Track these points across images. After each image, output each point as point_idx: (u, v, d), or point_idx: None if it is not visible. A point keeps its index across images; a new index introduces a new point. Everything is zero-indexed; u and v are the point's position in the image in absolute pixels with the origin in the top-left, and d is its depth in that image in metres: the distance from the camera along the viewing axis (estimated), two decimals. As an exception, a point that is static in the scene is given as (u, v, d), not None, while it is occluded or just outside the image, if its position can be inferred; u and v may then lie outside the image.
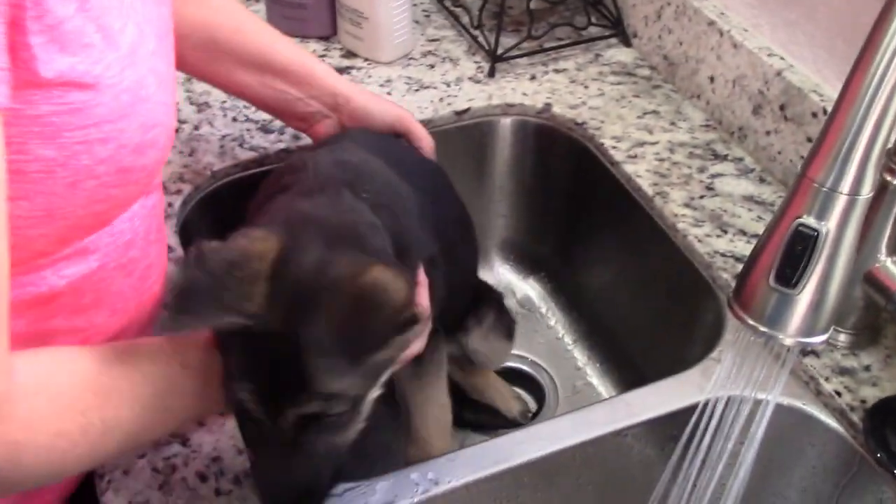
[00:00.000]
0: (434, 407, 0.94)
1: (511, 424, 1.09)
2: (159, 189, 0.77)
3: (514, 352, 1.21)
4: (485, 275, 1.29)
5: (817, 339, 0.62)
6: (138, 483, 0.73)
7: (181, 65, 0.77)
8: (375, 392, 0.66)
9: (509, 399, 1.12)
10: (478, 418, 1.09)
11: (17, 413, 0.53)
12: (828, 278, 0.60)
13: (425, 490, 0.75)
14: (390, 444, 1.06)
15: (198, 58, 0.90)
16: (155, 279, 0.75)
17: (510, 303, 1.28)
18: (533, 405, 1.16)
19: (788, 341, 0.62)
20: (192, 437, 0.76)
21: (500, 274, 1.30)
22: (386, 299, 0.58)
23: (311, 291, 0.59)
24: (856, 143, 0.57)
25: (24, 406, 0.53)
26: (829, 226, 0.58)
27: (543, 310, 1.26)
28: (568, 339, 1.22)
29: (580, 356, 1.20)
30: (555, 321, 1.25)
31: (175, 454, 0.75)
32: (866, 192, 0.58)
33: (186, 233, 0.97)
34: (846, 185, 0.57)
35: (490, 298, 1.06)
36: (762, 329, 0.63)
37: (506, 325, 1.08)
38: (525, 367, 1.20)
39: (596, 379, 1.17)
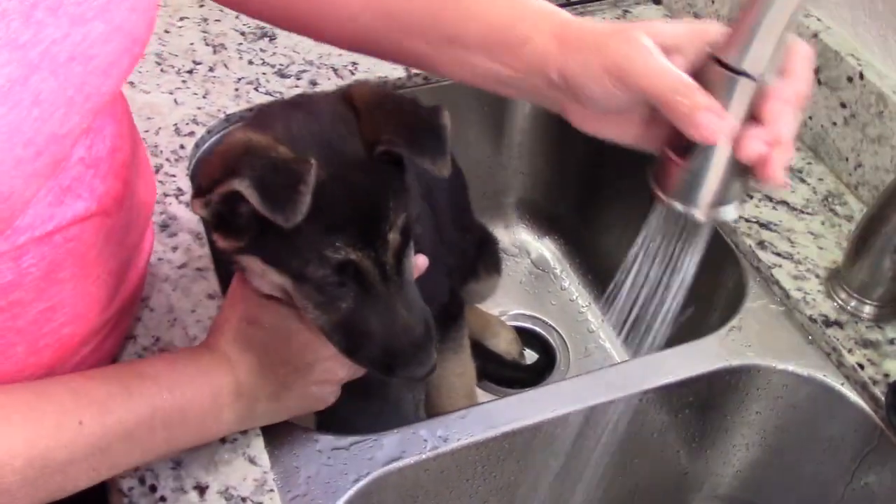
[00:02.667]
0: (454, 378, 0.92)
1: (511, 366, 1.09)
2: (100, 217, 0.63)
3: (526, 312, 1.20)
4: (500, 233, 1.27)
5: (722, 214, 0.57)
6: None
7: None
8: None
9: (509, 342, 1.12)
10: (477, 362, 1.07)
11: None
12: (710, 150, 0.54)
13: (434, 447, 0.74)
14: (399, 403, 1.05)
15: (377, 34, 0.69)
16: (63, 321, 0.63)
17: (525, 262, 1.26)
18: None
19: (698, 215, 0.57)
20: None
21: (515, 233, 1.28)
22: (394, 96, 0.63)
23: (326, 127, 0.60)
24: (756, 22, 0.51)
25: None
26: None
27: (558, 271, 1.24)
28: (581, 302, 1.20)
29: (593, 319, 1.18)
30: (569, 283, 1.23)
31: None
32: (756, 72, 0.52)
33: (198, 177, 0.95)
34: (736, 61, 0.52)
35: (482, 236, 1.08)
36: (675, 205, 0.59)
37: (496, 260, 1.09)
38: (537, 328, 1.19)
39: (609, 343, 1.15)
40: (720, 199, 0.56)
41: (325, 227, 0.58)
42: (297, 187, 0.54)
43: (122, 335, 0.75)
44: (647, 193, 1.07)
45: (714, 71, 0.53)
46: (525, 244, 1.27)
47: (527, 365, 1.15)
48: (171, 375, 0.63)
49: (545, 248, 1.26)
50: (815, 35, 0.96)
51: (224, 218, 0.59)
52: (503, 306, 1.20)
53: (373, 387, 0.98)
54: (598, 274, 1.20)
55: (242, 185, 0.54)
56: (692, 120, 0.52)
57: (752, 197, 0.94)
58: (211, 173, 0.57)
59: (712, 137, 0.53)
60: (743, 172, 0.55)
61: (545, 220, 1.27)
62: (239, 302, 0.68)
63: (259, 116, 0.64)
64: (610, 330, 1.16)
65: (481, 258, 1.08)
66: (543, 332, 1.19)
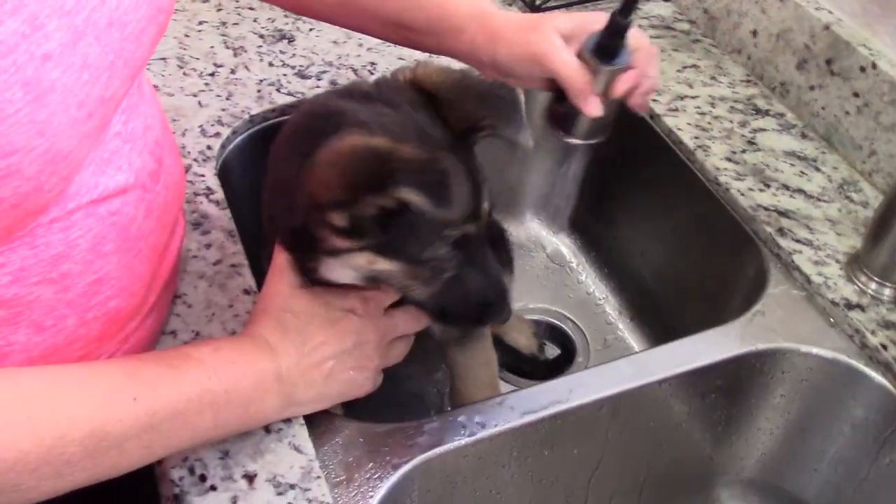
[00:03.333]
0: (478, 367, 0.94)
1: (529, 360, 1.11)
2: (139, 190, 0.66)
3: (545, 306, 1.22)
4: (516, 229, 1.29)
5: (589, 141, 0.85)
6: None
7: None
8: None
9: (528, 336, 1.13)
10: (499, 357, 1.09)
11: None
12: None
13: (472, 433, 0.75)
14: (422, 395, 1.07)
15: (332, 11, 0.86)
16: (110, 294, 0.66)
17: (541, 257, 1.28)
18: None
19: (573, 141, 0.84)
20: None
21: (531, 228, 1.30)
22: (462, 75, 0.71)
23: (410, 117, 0.66)
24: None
25: None
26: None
27: (574, 265, 1.26)
28: (599, 294, 1.22)
29: (611, 311, 1.20)
30: (585, 276, 1.24)
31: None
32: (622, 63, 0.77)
33: (226, 175, 0.97)
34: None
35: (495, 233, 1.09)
36: (560, 135, 0.84)
37: (509, 259, 1.10)
38: (556, 321, 1.20)
39: (627, 333, 1.17)
40: (589, 134, 0.84)
41: (444, 209, 0.60)
42: (449, 183, 0.58)
43: (162, 315, 0.77)
44: (657, 188, 1.09)
45: (591, 61, 0.77)
46: (541, 239, 1.29)
47: (546, 358, 1.17)
48: (216, 359, 0.65)
49: (560, 243, 1.28)
50: (827, 27, 0.98)
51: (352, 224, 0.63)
52: (521, 301, 1.22)
53: (398, 379, 1.00)
54: (614, 267, 1.22)
55: (407, 193, 0.58)
56: (583, 100, 0.77)
57: (769, 186, 0.97)
58: (341, 183, 0.60)
59: (594, 112, 0.78)
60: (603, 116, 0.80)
61: (560, 216, 1.29)
62: (275, 293, 0.71)
63: (341, 115, 0.65)
64: (629, 321, 1.18)
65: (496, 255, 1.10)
66: (562, 325, 1.20)
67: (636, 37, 0.79)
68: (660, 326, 1.13)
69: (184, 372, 0.63)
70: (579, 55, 0.78)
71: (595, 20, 0.78)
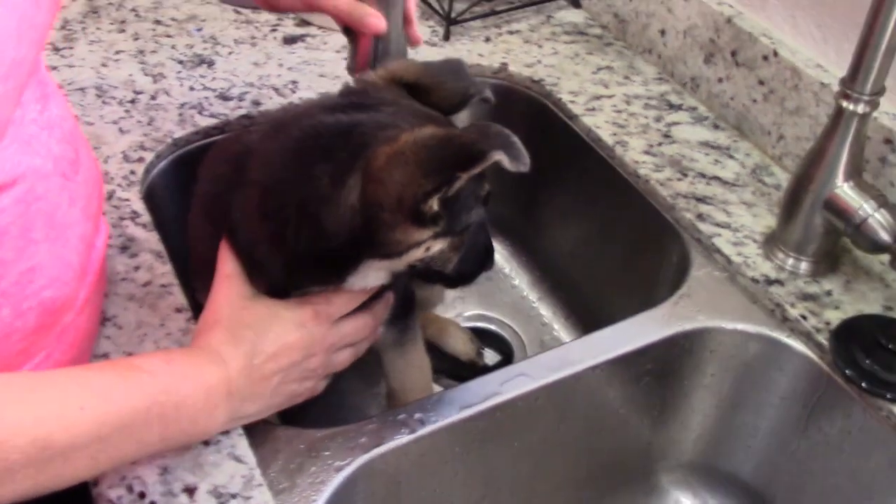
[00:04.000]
0: (414, 370, 0.95)
1: (469, 366, 1.12)
2: (60, 177, 0.67)
3: (481, 312, 1.23)
4: (447, 239, 1.30)
5: None
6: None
7: None
8: None
9: (465, 342, 1.14)
10: (438, 364, 1.10)
11: None
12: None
13: (412, 430, 0.76)
14: (363, 408, 1.07)
15: None
16: (44, 283, 0.66)
17: (474, 265, 1.29)
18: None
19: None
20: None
21: (462, 238, 1.31)
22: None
23: None
24: None
25: None
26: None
27: (507, 270, 1.28)
28: (533, 297, 1.24)
29: (546, 312, 1.22)
30: (519, 280, 1.26)
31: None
32: None
33: (152, 199, 0.96)
34: None
35: None
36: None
37: None
38: (492, 327, 1.22)
39: (563, 332, 1.19)
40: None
41: (481, 174, 0.65)
42: (514, 141, 0.63)
43: (96, 312, 0.77)
44: (581, 187, 1.12)
45: None
46: (473, 248, 1.30)
47: (485, 364, 1.18)
48: (167, 372, 0.65)
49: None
50: (729, 20, 1.03)
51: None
52: (457, 309, 1.23)
53: (338, 393, 1.00)
54: (546, 268, 1.24)
55: (498, 156, 0.61)
56: (364, 22, 0.82)
57: (686, 175, 1.00)
58: (423, 174, 0.63)
59: (378, 28, 0.82)
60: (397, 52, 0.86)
61: (491, 222, 1.30)
62: (225, 303, 0.71)
63: (358, 125, 0.67)
64: (564, 320, 1.20)
65: None
66: (499, 330, 1.22)
67: None
68: (593, 322, 1.14)
69: (134, 383, 0.62)
70: None
71: None
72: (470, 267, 0.74)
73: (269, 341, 0.70)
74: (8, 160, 0.60)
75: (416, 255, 0.68)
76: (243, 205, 0.71)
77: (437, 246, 0.68)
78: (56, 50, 1.15)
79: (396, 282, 0.77)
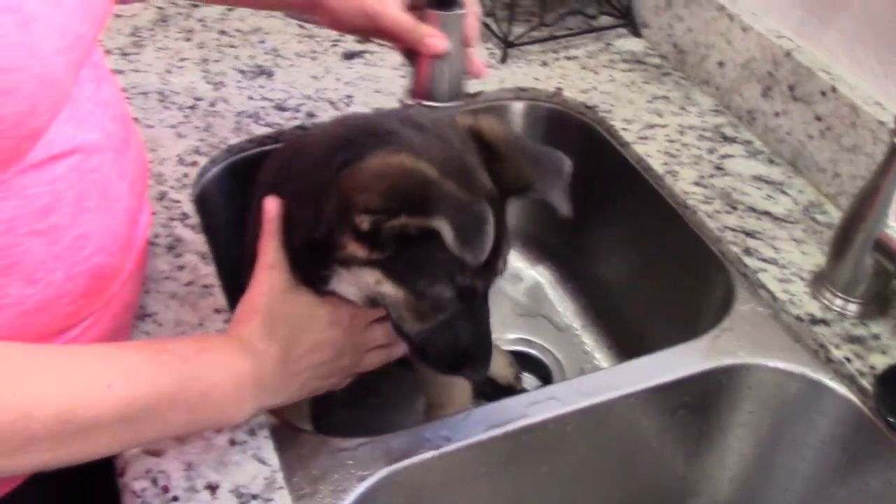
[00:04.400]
0: (455, 386, 0.95)
1: (507, 390, 1.10)
2: (112, 153, 0.70)
3: (523, 336, 1.23)
4: (494, 261, 1.30)
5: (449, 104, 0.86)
6: (153, 433, 0.73)
7: None
8: None
9: (505, 365, 1.13)
10: (476, 386, 1.10)
11: None
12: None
13: (438, 446, 0.76)
14: (398, 422, 1.07)
15: None
16: (93, 250, 0.69)
17: (520, 289, 1.29)
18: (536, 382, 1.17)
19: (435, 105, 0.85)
20: (207, 390, 0.76)
21: (509, 261, 1.30)
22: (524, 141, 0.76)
23: (461, 160, 0.67)
24: None
25: None
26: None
27: (552, 297, 1.27)
28: (576, 324, 1.23)
29: (588, 340, 1.20)
30: (563, 308, 1.25)
31: (190, 406, 0.75)
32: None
33: (203, 203, 0.98)
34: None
35: None
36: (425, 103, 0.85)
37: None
38: (533, 351, 1.21)
39: (605, 362, 1.17)
40: (449, 96, 0.85)
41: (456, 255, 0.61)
42: (484, 229, 0.60)
43: (138, 287, 0.80)
44: (628, 215, 1.11)
45: (431, 14, 0.83)
46: (519, 272, 1.30)
47: (523, 389, 1.17)
48: (198, 359, 0.66)
49: (539, 275, 1.29)
50: (788, 53, 1.01)
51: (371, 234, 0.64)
52: (499, 332, 1.23)
53: (370, 395, 1.00)
54: (591, 297, 1.23)
55: (441, 224, 0.59)
56: (425, 42, 0.82)
57: (735, 209, 0.98)
58: (381, 193, 0.62)
59: (438, 49, 0.82)
60: (456, 77, 0.85)
61: (537, 248, 1.30)
62: (264, 293, 0.72)
63: (392, 134, 0.68)
64: (606, 350, 1.18)
65: None
66: (540, 356, 1.21)
67: None
68: (635, 353, 1.12)
69: (165, 368, 0.64)
70: (413, 8, 0.84)
71: None
72: (439, 353, 0.70)
73: (303, 338, 0.71)
74: (66, 133, 0.64)
75: (366, 280, 0.67)
76: (288, 193, 0.73)
77: (388, 288, 0.67)
78: (124, 55, 1.18)
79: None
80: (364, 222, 0.63)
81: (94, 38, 0.66)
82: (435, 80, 0.84)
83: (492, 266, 0.67)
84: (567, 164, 0.72)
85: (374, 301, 0.70)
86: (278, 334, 0.70)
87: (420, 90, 0.86)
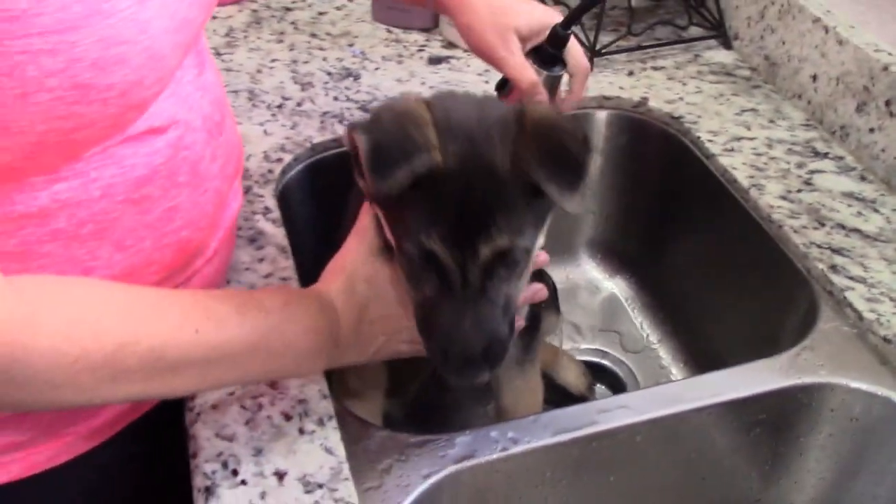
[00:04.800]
0: (529, 391, 0.95)
1: (578, 400, 1.08)
2: (206, 134, 0.74)
3: (598, 347, 1.21)
4: (572, 272, 1.29)
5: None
6: (226, 417, 0.74)
7: None
8: (539, 243, 0.69)
9: (578, 375, 1.12)
10: (546, 394, 1.09)
11: (19, 314, 0.54)
12: None
13: (504, 448, 0.75)
14: (468, 423, 1.07)
15: None
16: (181, 224, 0.72)
17: (597, 300, 1.28)
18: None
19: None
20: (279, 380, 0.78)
21: (586, 272, 1.30)
22: (563, 125, 0.64)
23: (482, 130, 0.64)
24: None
25: (26, 309, 0.55)
26: None
27: (629, 308, 1.25)
28: (653, 338, 1.21)
29: (665, 354, 1.18)
30: (640, 320, 1.23)
31: (263, 393, 0.76)
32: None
33: (285, 199, 1.00)
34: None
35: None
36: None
37: (554, 300, 1.10)
38: (607, 363, 1.20)
39: (681, 377, 1.15)
40: None
41: (429, 214, 0.62)
42: (399, 166, 0.59)
43: (223, 268, 0.83)
44: (711, 228, 1.09)
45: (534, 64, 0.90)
46: (596, 282, 1.29)
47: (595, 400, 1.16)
48: (283, 314, 0.68)
49: (616, 287, 1.28)
50: (886, 68, 0.98)
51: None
52: (574, 342, 1.22)
53: (442, 395, 1.01)
54: (669, 311, 1.21)
55: (361, 139, 0.60)
56: (529, 98, 0.86)
57: (823, 225, 0.95)
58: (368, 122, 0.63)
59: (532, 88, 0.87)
60: None
61: (616, 258, 1.29)
62: (353, 253, 0.74)
63: (442, 96, 0.70)
64: (682, 364, 1.16)
65: None
66: (615, 367, 1.19)
67: (575, 50, 0.91)
68: (712, 369, 1.10)
69: (250, 318, 0.66)
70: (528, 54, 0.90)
71: (554, 17, 0.90)
72: (428, 340, 0.66)
73: (382, 302, 0.72)
74: (165, 110, 0.67)
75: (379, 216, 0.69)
76: None
77: (381, 216, 0.68)
78: (218, 54, 1.22)
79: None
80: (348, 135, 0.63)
81: (201, 24, 0.70)
82: None
83: (466, 243, 0.62)
84: (586, 155, 0.63)
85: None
86: (358, 296, 0.72)
87: None
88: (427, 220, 0.62)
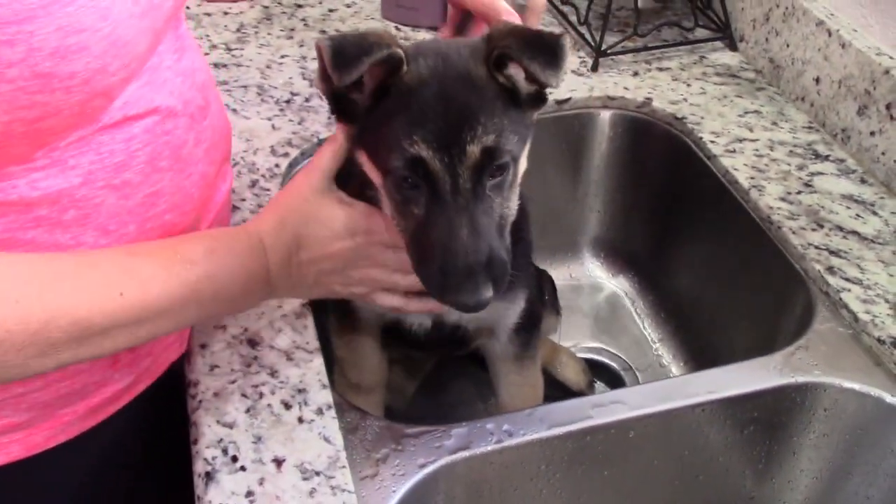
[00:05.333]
0: (528, 388, 0.96)
1: (577, 395, 1.10)
2: (188, 118, 0.74)
3: (599, 345, 1.22)
4: (574, 271, 1.31)
5: None
6: (227, 405, 0.76)
7: None
8: (523, 163, 0.70)
9: (577, 371, 1.13)
10: (545, 390, 1.10)
11: None
12: None
13: (499, 440, 0.77)
14: (467, 406, 1.09)
15: None
16: (165, 208, 0.72)
17: (599, 298, 1.29)
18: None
19: None
20: (280, 369, 0.79)
21: (589, 270, 1.31)
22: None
23: (453, 49, 0.67)
24: None
25: None
26: None
27: (631, 308, 1.26)
28: (654, 337, 1.22)
29: (665, 353, 1.19)
30: (641, 319, 1.25)
31: (263, 382, 0.78)
32: None
33: (290, 192, 1.02)
34: None
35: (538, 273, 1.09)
36: None
37: (554, 301, 1.12)
38: (608, 361, 1.21)
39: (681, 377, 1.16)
40: None
41: (410, 123, 0.63)
42: (360, 57, 0.62)
43: None
44: (712, 229, 1.10)
45: None
46: (599, 281, 1.30)
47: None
48: (209, 262, 0.69)
49: (618, 285, 1.29)
50: (888, 72, 0.99)
51: (341, 103, 0.68)
52: (575, 339, 1.23)
53: (442, 392, 1.02)
54: (670, 310, 1.22)
55: (325, 45, 0.62)
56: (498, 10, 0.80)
57: (822, 227, 0.96)
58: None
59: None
60: None
61: (619, 257, 1.30)
62: (293, 190, 0.75)
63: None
64: (682, 364, 1.17)
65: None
66: (615, 366, 1.20)
67: None
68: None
69: (175, 273, 0.67)
70: None
71: None
72: (425, 267, 0.65)
73: (312, 242, 0.73)
74: (142, 97, 0.68)
75: (362, 162, 0.69)
76: None
77: (370, 169, 0.68)
78: (229, 49, 1.23)
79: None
80: (318, 81, 0.66)
81: (172, 9, 0.69)
82: None
83: (452, 143, 0.63)
84: (560, 39, 0.65)
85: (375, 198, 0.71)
86: (287, 233, 0.72)
87: None
88: (408, 128, 0.63)
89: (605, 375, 1.20)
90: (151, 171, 0.70)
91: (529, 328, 0.91)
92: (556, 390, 1.12)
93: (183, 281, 0.67)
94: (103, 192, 0.66)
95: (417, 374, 1.11)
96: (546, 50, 0.64)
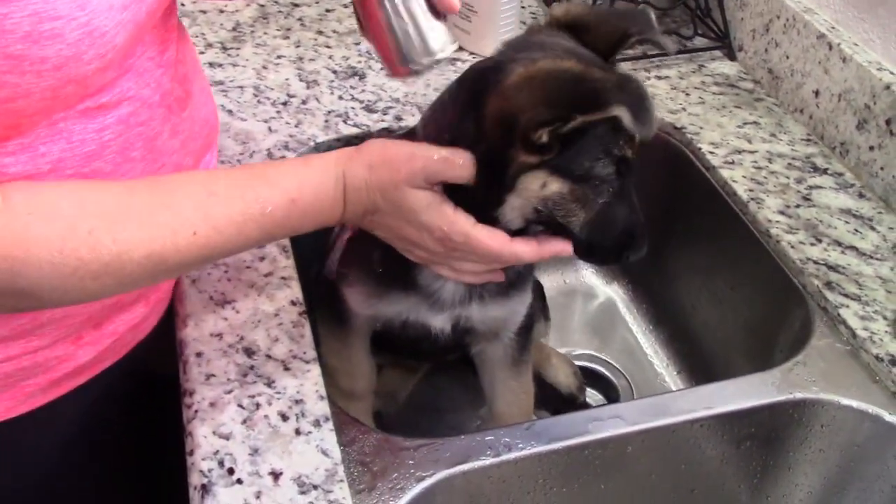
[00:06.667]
0: (523, 395, 0.96)
1: (568, 400, 1.10)
2: (164, 109, 0.74)
3: (592, 352, 1.22)
4: (569, 277, 1.30)
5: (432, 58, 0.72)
6: (223, 416, 0.75)
7: None
8: None
9: (568, 374, 1.13)
10: (538, 393, 1.09)
11: (10, 230, 0.58)
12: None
13: (497, 454, 0.76)
14: (460, 428, 1.08)
15: None
16: None
17: (593, 306, 1.28)
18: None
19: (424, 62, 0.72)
20: (277, 379, 0.78)
21: (584, 277, 1.30)
22: None
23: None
24: None
25: (18, 224, 0.59)
26: None
27: (625, 315, 1.26)
28: (648, 346, 1.22)
29: (659, 362, 1.19)
30: (636, 327, 1.24)
31: (260, 393, 0.77)
32: None
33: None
34: None
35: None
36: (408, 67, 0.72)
37: (543, 307, 1.12)
38: (601, 369, 1.20)
39: (674, 386, 1.16)
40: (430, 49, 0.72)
41: (615, 128, 0.66)
42: (649, 101, 0.68)
43: None
44: (709, 240, 1.10)
45: None
46: (594, 288, 1.30)
47: (584, 402, 1.16)
48: (288, 213, 0.70)
49: (613, 293, 1.29)
50: (888, 87, 0.99)
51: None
52: (569, 346, 1.22)
53: (434, 399, 1.01)
54: (665, 319, 1.22)
55: (620, 111, 0.65)
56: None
57: (820, 241, 0.96)
58: (545, 103, 0.65)
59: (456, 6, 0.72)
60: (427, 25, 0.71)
61: (614, 265, 1.29)
62: (397, 175, 0.70)
63: (510, 62, 0.69)
64: (675, 374, 1.17)
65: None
66: (609, 374, 1.20)
67: None
68: (706, 379, 1.11)
69: (249, 220, 0.68)
70: None
71: None
72: (604, 240, 0.72)
73: (389, 218, 0.72)
74: (118, 86, 0.68)
75: (533, 188, 0.68)
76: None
77: (554, 186, 0.68)
78: (224, 49, 1.22)
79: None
80: (542, 136, 0.65)
81: (158, 2, 0.69)
82: (402, 40, 0.71)
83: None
84: (648, 11, 0.76)
85: (535, 213, 0.70)
86: (369, 200, 0.71)
87: (392, 58, 0.72)
88: (615, 134, 0.67)
89: (598, 384, 1.19)
90: (123, 160, 0.70)
91: (527, 331, 0.91)
92: (547, 393, 1.12)
93: (258, 226, 0.68)
94: (72, 180, 0.67)
95: (410, 380, 1.10)
96: (651, 22, 0.75)
